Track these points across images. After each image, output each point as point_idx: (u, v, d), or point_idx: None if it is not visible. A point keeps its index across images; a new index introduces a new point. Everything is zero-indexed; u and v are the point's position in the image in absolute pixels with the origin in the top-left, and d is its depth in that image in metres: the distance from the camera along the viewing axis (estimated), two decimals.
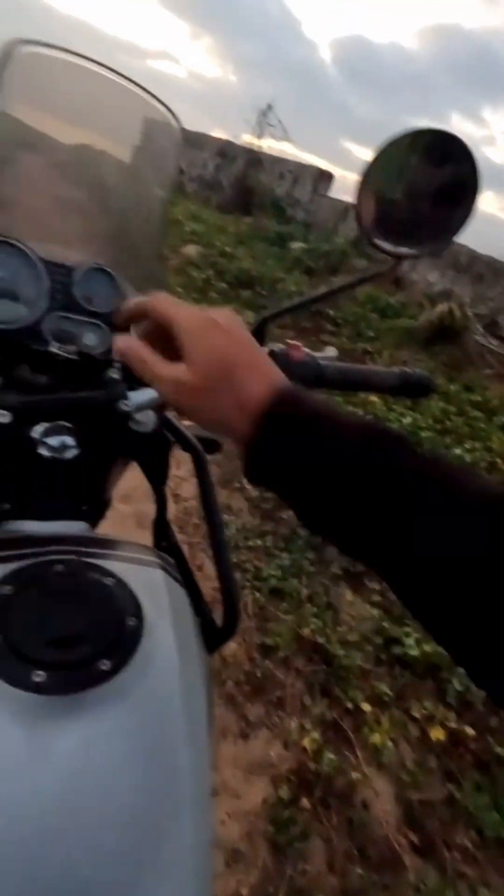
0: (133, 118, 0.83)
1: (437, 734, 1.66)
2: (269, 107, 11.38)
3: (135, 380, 0.74)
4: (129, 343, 0.42)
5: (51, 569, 0.45)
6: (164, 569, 0.54)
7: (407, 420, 3.76)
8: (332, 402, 0.38)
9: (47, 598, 0.43)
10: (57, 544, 0.49)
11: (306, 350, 0.65)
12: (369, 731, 1.63)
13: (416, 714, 1.73)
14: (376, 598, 2.18)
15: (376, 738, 1.60)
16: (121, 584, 0.45)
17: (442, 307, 5.62)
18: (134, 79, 0.77)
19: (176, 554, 0.73)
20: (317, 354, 0.69)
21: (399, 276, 7.89)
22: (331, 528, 0.36)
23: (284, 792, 1.41)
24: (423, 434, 3.63)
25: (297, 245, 8.49)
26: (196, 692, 0.45)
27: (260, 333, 0.62)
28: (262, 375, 0.38)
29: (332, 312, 5.78)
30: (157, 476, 0.76)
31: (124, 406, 0.55)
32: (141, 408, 0.59)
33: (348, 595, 2.19)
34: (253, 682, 1.70)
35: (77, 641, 0.39)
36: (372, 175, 0.51)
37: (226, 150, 12.25)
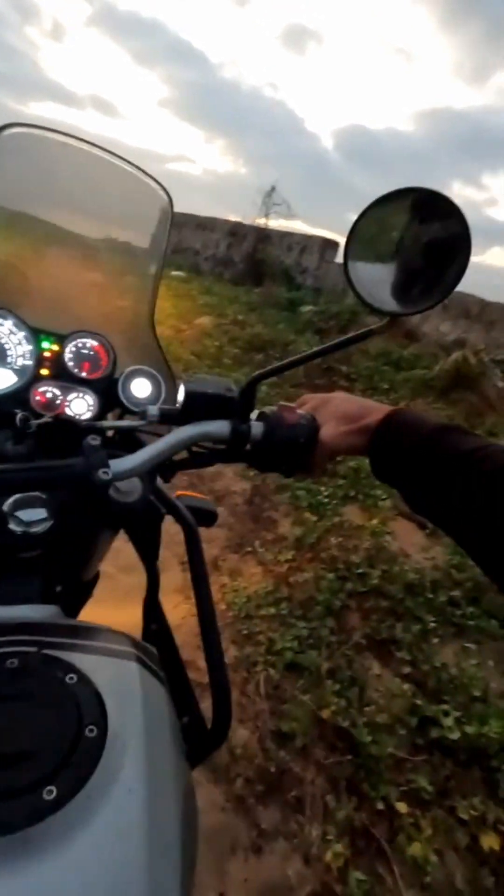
0: (122, 193, 0.86)
1: (490, 842, 1.38)
2: (273, 188, 12.24)
3: (118, 444, 0.69)
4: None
5: (4, 664, 0.39)
6: (140, 661, 0.46)
7: None
8: (424, 416, 0.53)
9: None
10: (19, 633, 0.44)
11: (301, 411, 0.61)
12: (407, 840, 1.37)
13: (464, 815, 1.45)
14: (407, 669, 1.94)
15: (416, 848, 1.34)
16: (84, 682, 0.39)
17: (456, 355, 5.56)
18: (124, 157, 0.80)
19: (166, 640, 0.67)
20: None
21: (410, 329, 7.97)
22: (421, 504, 0.50)
23: None
24: None
25: (307, 309, 8.76)
26: (168, 818, 0.37)
27: (249, 394, 0.58)
28: (373, 408, 0.56)
29: (344, 368, 5.80)
30: (148, 550, 0.70)
31: (104, 475, 0.50)
32: (123, 476, 0.54)
33: (375, 668, 1.95)
34: (266, 779, 1.47)
35: (23, 760, 0.34)
36: (359, 235, 0.51)
37: (236, 230, 13.11)
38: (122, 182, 0.82)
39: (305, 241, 11.52)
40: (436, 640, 2.09)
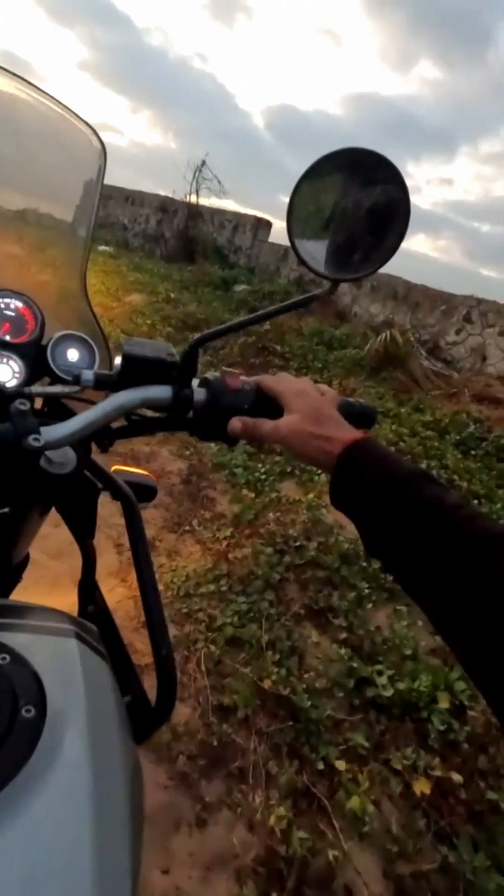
0: (48, 137, 0.75)
1: (421, 787, 1.46)
2: (203, 162, 11.88)
3: (49, 414, 0.62)
4: (241, 420, 0.54)
5: None
6: (80, 638, 0.45)
7: None
8: (391, 453, 0.48)
9: None
10: None
11: (244, 378, 0.58)
12: (346, 795, 1.42)
13: (397, 765, 1.53)
14: (343, 635, 2.00)
15: (354, 802, 1.39)
16: (18, 661, 0.38)
17: (384, 335, 5.75)
18: (54, 96, 0.69)
19: (104, 620, 0.64)
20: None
21: (341, 310, 8.14)
22: (381, 549, 0.45)
23: (250, 890, 1.18)
24: None
25: (241, 288, 8.69)
26: (115, 795, 0.36)
27: (192, 358, 0.55)
28: (343, 426, 0.51)
29: (279, 347, 5.82)
30: (83, 527, 0.66)
31: (34, 442, 0.46)
32: (56, 445, 0.49)
33: (313, 636, 2.00)
34: (209, 754, 1.47)
35: None
36: (303, 196, 0.49)
37: (166, 206, 12.66)
38: (48, 123, 0.73)
39: (238, 220, 11.36)
40: (370, 606, 2.18)
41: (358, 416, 0.67)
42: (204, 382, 0.57)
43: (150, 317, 6.50)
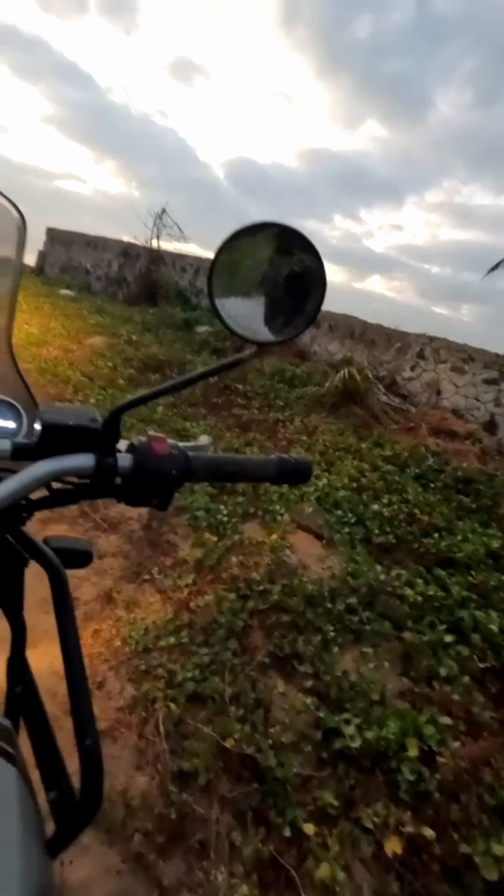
0: None
1: (393, 846, 1.39)
2: (164, 210, 12.29)
3: None
4: None
5: None
6: None
7: (322, 482, 3.72)
8: None
9: None
10: None
11: (172, 441, 0.58)
12: (315, 862, 1.33)
13: (368, 823, 1.46)
14: (309, 682, 1.94)
15: (324, 870, 1.31)
16: None
17: (342, 372, 5.92)
18: None
19: (32, 704, 0.59)
20: (187, 444, 0.62)
21: (301, 349, 8.37)
22: None
23: None
24: (340, 493, 3.60)
25: (203, 329, 8.84)
26: None
27: (114, 425, 0.54)
28: None
29: (241, 387, 5.89)
30: (10, 600, 0.63)
31: None
32: None
33: (279, 685, 1.93)
34: (167, 828, 1.36)
35: None
36: (222, 267, 0.51)
37: (128, 251, 12.92)
38: None
39: (199, 263, 11.68)
40: (336, 649, 2.13)
41: (292, 473, 0.66)
42: (130, 448, 0.57)
43: (112, 359, 6.49)
